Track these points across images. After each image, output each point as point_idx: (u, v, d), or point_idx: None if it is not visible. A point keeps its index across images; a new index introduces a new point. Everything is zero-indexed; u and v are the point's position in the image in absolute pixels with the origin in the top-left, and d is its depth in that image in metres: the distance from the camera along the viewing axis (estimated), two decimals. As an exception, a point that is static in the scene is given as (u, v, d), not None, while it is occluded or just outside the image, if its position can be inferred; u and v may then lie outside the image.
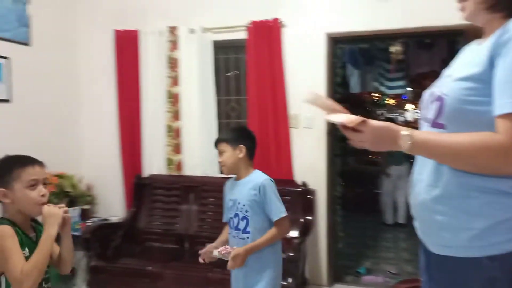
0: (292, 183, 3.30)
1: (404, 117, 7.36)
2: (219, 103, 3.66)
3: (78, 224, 3.38)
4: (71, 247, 1.58)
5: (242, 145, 1.97)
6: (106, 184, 3.80)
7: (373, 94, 6.83)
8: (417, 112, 7.21)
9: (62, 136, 3.69)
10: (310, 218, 3.16)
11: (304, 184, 3.26)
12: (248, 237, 1.90)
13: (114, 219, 3.55)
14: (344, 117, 1.06)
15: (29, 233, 1.49)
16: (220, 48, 3.62)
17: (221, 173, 2.07)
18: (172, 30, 3.56)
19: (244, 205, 1.90)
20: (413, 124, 6.65)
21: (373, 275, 3.64)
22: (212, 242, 3.28)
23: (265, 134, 3.36)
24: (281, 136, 3.36)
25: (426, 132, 1.11)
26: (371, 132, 1.04)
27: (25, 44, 3.32)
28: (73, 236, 3.19)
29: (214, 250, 1.88)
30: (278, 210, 1.90)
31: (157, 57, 3.59)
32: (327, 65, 3.31)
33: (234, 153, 1.95)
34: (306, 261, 3.17)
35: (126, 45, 3.66)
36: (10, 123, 3.17)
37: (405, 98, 6.97)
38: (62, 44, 3.71)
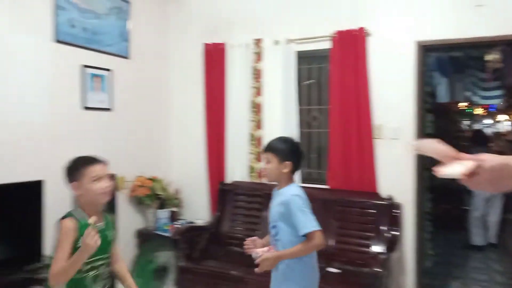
0: (376, 196, 3.21)
1: (496, 128, 6.78)
2: (301, 113, 3.68)
3: (168, 226, 3.60)
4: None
5: (289, 162, 1.97)
6: (192, 189, 4.00)
7: (460, 104, 6.40)
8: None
9: (154, 143, 3.98)
10: (396, 233, 3.04)
11: (390, 198, 3.15)
12: (279, 244, 1.97)
13: (200, 222, 3.72)
14: (460, 168, 0.95)
15: (96, 222, 1.69)
16: (304, 58, 3.65)
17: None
18: (257, 42, 3.67)
19: (274, 215, 1.98)
20: (504, 136, 6.11)
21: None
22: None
23: (347, 144, 3.32)
24: (365, 147, 3.28)
25: None
26: (489, 173, 0.93)
27: (125, 57, 3.64)
28: (163, 236, 3.44)
29: (254, 251, 1.95)
30: (304, 225, 1.89)
31: (243, 68, 3.73)
32: (417, 74, 3.18)
33: (280, 167, 1.96)
34: (391, 277, 3.05)
35: (214, 57, 3.85)
36: (111, 130, 3.49)
37: (493, 109, 6.44)
38: (156, 57, 4.01)
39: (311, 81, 3.72)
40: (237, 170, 3.78)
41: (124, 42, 3.63)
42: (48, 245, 2.56)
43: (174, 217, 3.80)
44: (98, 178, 1.70)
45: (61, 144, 3.04)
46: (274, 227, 1.98)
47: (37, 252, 2.58)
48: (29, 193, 2.62)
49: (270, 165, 1.98)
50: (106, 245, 1.74)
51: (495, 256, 4.49)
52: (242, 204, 3.67)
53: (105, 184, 1.71)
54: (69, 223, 1.66)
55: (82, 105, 3.25)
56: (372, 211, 3.15)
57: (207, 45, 3.89)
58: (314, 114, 3.75)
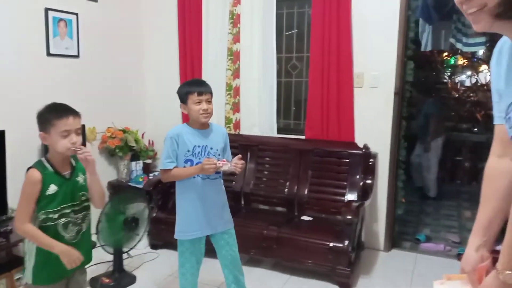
0: (353, 145, 3.19)
1: (477, 79, 6.76)
2: (280, 61, 3.56)
3: (141, 177, 3.55)
4: (98, 185, 1.77)
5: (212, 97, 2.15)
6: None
7: (444, 54, 6.31)
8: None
9: (127, 93, 3.82)
10: (370, 182, 3.06)
11: (366, 147, 3.13)
12: (220, 176, 2.17)
13: (175, 173, 3.67)
14: None
15: (63, 170, 1.70)
16: (284, 1, 3.47)
17: (203, 120, 2.10)
18: (234, -17, 3.45)
19: (217, 149, 2.12)
20: (484, 87, 6.09)
21: (433, 242, 3.51)
22: (268, 200, 3.35)
23: (326, 94, 3.24)
24: (344, 96, 3.21)
25: None
26: None
27: (93, 0, 3.39)
28: (137, 188, 3.40)
29: (221, 163, 2.00)
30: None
31: (219, 13, 3.53)
32: (401, 19, 3.06)
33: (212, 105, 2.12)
34: (363, 225, 3.11)
35: (189, 0, 3.61)
36: (79, 79, 3.32)
37: (476, 60, 6.35)
38: (127, 0, 3.75)
39: (294, 30, 3.56)
40: (213, 121, 3.65)
41: (89, -18, 3.36)
42: (12, 197, 2.48)
43: (149, 169, 3.75)
44: (67, 133, 1.62)
45: (24, 93, 2.88)
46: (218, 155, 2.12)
47: (0, 204, 2.51)
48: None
49: (211, 105, 2.09)
50: (75, 192, 1.71)
51: (467, 204, 4.62)
52: (218, 155, 3.62)
53: (72, 140, 1.63)
54: (34, 174, 1.63)
55: (46, 52, 3.05)
56: (348, 160, 3.15)
57: (180, -14, 3.65)
58: (294, 62, 3.63)
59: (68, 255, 1.65)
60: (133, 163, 3.62)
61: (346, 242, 2.64)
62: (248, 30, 3.46)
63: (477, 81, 6.38)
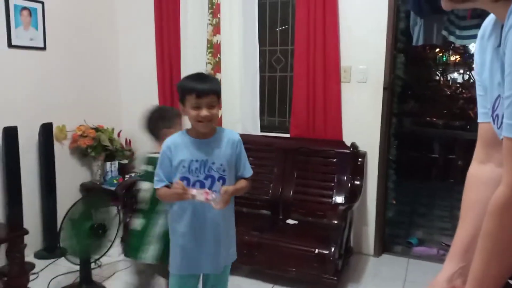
0: (340, 144, 2.99)
1: (469, 75, 6.62)
2: (263, 54, 3.35)
3: (116, 179, 3.32)
4: None
5: (220, 99, 1.69)
6: (146, 140, 3.67)
7: (435, 51, 6.16)
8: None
9: (100, 88, 3.57)
10: (358, 183, 2.86)
11: (354, 146, 2.94)
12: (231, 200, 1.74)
13: (152, 174, 3.45)
14: None
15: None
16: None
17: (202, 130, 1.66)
18: (213, -29, 3.23)
19: (221, 164, 1.66)
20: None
21: (426, 246, 3.33)
22: (251, 202, 3.14)
23: (312, 89, 3.04)
24: (331, 91, 3.02)
25: None
26: None
27: (60, -12, 3.16)
28: (110, 191, 3.17)
29: (195, 192, 1.59)
30: (249, 168, 1.80)
31: (198, 1, 3.31)
32: (390, 9, 2.87)
33: (218, 109, 1.66)
34: (351, 229, 2.92)
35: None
36: (45, 73, 3.08)
37: (468, 56, 6.21)
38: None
39: (284, 26, 3.35)
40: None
41: (58, -31, 3.12)
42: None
43: (125, 170, 3.52)
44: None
45: (-18, 87, 2.65)
46: (220, 178, 1.66)
47: None
48: None
49: (215, 110, 1.62)
50: None
51: (459, 204, 4.45)
52: (198, 154, 3.40)
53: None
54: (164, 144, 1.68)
55: (7, 43, 2.81)
56: (335, 160, 2.95)
57: (156, -26, 3.42)
58: (277, 55, 3.42)
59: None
60: (108, 163, 3.39)
61: (333, 249, 2.44)
62: (229, 21, 3.24)
63: (469, 78, 6.25)
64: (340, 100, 3.02)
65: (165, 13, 3.43)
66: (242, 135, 3.21)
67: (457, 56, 6.49)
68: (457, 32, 3.43)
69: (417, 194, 4.67)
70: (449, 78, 6.54)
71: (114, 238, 2.61)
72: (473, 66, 0.82)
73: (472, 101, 5.80)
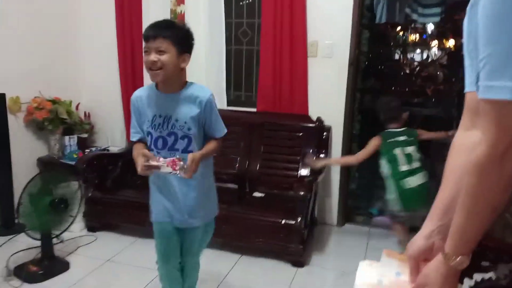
0: (306, 118, 3.03)
1: (428, 55, 6.84)
2: (229, 27, 3.28)
3: (76, 154, 3.20)
4: None
5: (188, 54, 1.60)
6: (107, 112, 3.56)
7: (396, 30, 6.28)
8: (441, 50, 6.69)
9: (57, 57, 3.37)
10: (323, 156, 2.92)
11: (319, 120, 2.98)
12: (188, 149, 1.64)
13: (115, 149, 3.36)
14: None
15: None
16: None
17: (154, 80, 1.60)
18: None
19: (185, 122, 1.58)
20: (435, 62, 6.16)
21: (386, 216, 3.48)
22: (218, 176, 3.08)
23: (278, 63, 3.03)
24: (298, 66, 3.02)
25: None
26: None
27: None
28: (70, 165, 3.06)
29: (161, 162, 1.50)
30: (221, 127, 1.72)
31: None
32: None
33: (177, 60, 1.55)
34: (316, 201, 2.99)
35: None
36: (3, 45, 2.87)
37: (427, 37, 6.40)
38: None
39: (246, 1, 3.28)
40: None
41: None
42: None
43: (85, 144, 3.39)
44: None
45: None
46: (185, 137, 1.60)
47: None
48: None
49: (166, 55, 1.51)
50: None
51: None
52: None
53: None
54: None
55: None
56: (301, 134, 2.99)
57: None
58: (244, 28, 3.37)
59: None
60: (66, 137, 3.25)
61: (299, 219, 2.50)
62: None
63: (428, 57, 6.45)
64: (307, 75, 3.03)
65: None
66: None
67: (417, 35, 6.68)
68: (420, 9, 3.52)
69: (378, 167, 4.83)
70: (408, 57, 6.74)
71: (76, 213, 2.54)
72: (463, 36, 0.84)
73: (430, 79, 6.02)
